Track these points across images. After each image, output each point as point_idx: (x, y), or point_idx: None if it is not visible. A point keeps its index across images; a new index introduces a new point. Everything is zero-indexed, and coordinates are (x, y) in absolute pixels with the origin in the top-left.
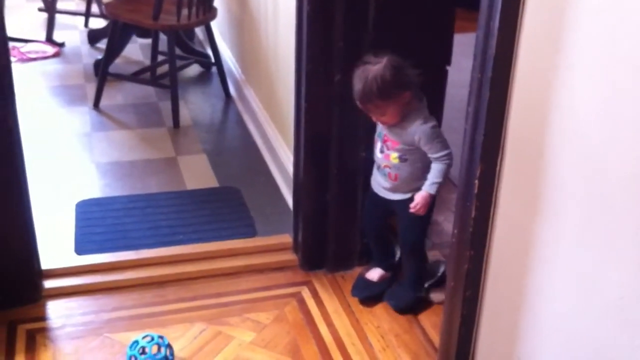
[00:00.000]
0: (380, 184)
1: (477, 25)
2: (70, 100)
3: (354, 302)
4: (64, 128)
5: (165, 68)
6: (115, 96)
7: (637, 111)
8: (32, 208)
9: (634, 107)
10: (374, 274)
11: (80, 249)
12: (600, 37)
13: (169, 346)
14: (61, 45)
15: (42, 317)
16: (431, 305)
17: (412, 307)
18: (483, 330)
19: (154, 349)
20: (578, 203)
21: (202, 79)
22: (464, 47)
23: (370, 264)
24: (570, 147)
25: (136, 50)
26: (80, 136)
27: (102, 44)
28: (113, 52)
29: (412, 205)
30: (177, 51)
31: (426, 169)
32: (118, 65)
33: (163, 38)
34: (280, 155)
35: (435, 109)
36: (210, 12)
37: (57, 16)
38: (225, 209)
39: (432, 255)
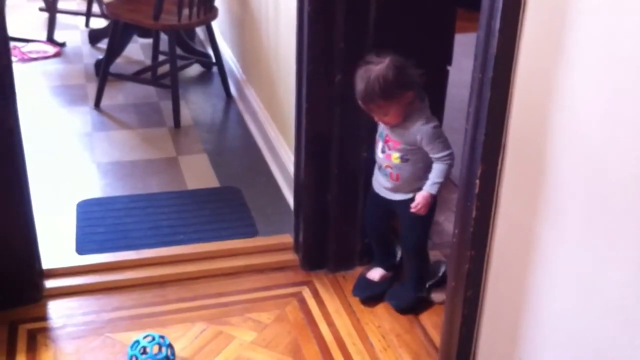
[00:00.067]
0: (381, 184)
1: (478, 25)
2: (71, 100)
3: (355, 302)
4: (65, 128)
5: (166, 68)
6: (116, 96)
7: (638, 111)
8: (33, 208)
9: (634, 108)
10: (375, 273)
11: (81, 249)
12: (601, 37)
13: (170, 346)
14: (62, 45)
15: (43, 317)
16: (432, 305)
17: (413, 307)
18: (484, 330)
19: (155, 348)
20: (579, 203)
21: (203, 78)
22: (464, 47)
23: (371, 263)
24: (571, 147)
25: (137, 50)
26: (81, 136)
27: (103, 44)
28: (114, 52)
29: (412, 205)
30: (178, 51)
31: (428, 169)
32: (119, 65)
33: (164, 38)
34: (281, 155)
35: (436, 109)
36: (211, 12)
37: (58, 16)
38: (226, 209)
39: (433, 255)
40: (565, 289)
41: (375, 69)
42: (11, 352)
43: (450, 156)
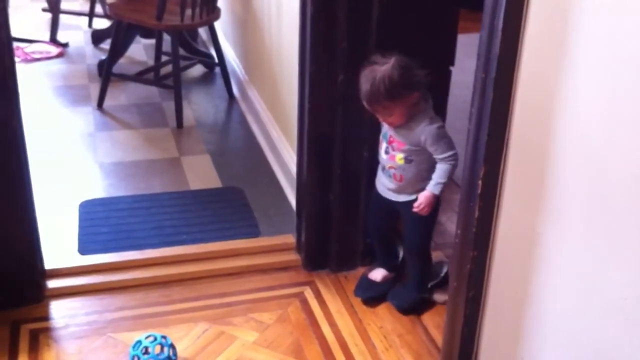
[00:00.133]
0: (385, 185)
1: (480, 25)
2: (74, 100)
3: (356, 302)
4: (68, 128)
5: (168, 68)
6: (119, 96)
7: (639, 112)
8: (35, 208)
9: (636, 108)
10: (377, 274)
11: (83, 249)
12: (604, 37)
13: (172, 346)
14: (65, 45)
15: (46, 317)
16: (434, 306)
17: (415, 307)
18: (486, 331)
19: (157, 348)
20: (581, 203)
21: (206, 79)
22: (467, 48)
23: (373, 264)
24: (573, 147)
25: (140, 50)
26: (84, 136)
27: (106, 44)
28: (117, 52)
29: (415, 205)
30: (181, 51)
31: (431, 170)
32: (122, 65)
33: (167, 38)
34: (284, 156)
35: (439, 110)
36: (214, 13)
37: (61, 16)
38: (228, 209)
39: (435, 255)
40: (568, 289)
41: (381, 69)
42: (13, 352)
43: (454, 156)
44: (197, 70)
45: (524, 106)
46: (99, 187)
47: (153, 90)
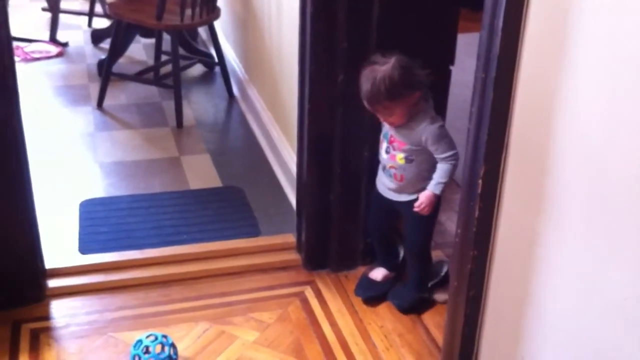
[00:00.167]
0: (385, 184)
1: (480, 25)
2: (74, 100)
3: (357, 301)
4: (68, 128)
5: (168, 68)
6: (119, 96)
7: (639, 112)
8: (35, 208)
9: (636, 108)
10: (378, 273)
11: (84, 249)
12: (604, 37)
13: (172, 345)
14: (65, 45)
15: (46, 317)
16: (434, 305)
17: (415, 307)
18: (486, 330)
19: (158, 348)
20: (581, 203)
21: (206, 78)
22: (467, 47)
23: (373, 263)
24: (573, 147)
25: (140, 50)
26: (84, 136)
27: (106, 44)
28: (116, 52)
29: (416, 204)
30: (181, 51)
31: (432, 169)
32: (121, 65)
33: (167, 38)
34: (284, 155)
35: (439, 109)
36: (214, 12)
37: (61, 16)
38: (228, 208)
39: (436, 255)
40: (568, 289)
41: (381, 69)
42: (14, 351)
43: (455, 156)
44: (197, 69)
45: (524, 106)
46: (99, 187)
47: (153, 89)
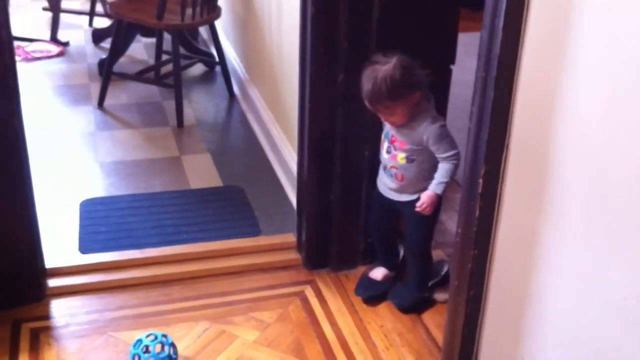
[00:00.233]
0: (386, 184)
1: (481, 24)
2: (75, 99)
3: (357, 301)
4: (68, 127)
5: (169, 67)
6: (120, 95)
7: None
8: (36, 207)
9: (636, 108)
10: (378, 273)
11: (84, 248)
12: (604, 37)
13: (172, 345)
14: (65, 44)
15: (46, 316)
16: (435, 305)
17: (415, 306)
18: (487, 330)
19: (158, 347)
20: (582, 203)
21: (206, 78)
22: (468, 47)
23: (374, 263)
24: (574, 147)
25: (140, 49)
26: (85, 135)
27: (107, 43)
28: (117, 51)
29: (418, 204)
30: (181, 50)
31: (433, 169)
32: (122, 64)
33: (167, 37)
34: (284, 155)
35: (439, 108)
36: (215, 12)
37: (62, 15)
38: (229, 208)
39: (436, 254)
40: (569, 288)
41: (382, 69)
42: (14, 351)
43: (457, 156)
44: (198, 69)
45: (524, 105)
46: (99, 186)
47: (153, 89)
